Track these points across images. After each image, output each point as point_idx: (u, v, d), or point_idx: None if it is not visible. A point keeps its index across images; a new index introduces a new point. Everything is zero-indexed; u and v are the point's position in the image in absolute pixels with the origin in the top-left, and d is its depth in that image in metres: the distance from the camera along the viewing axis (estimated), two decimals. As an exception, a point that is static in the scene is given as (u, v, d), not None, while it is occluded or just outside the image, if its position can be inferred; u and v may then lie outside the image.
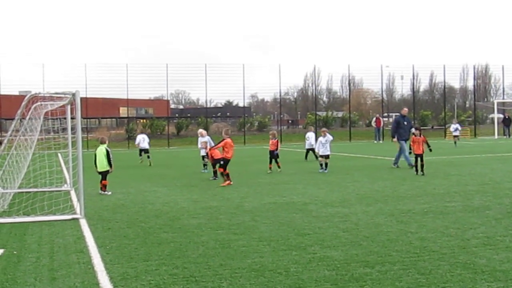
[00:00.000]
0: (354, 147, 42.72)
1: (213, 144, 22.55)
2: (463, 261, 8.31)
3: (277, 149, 23.77)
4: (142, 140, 30.46)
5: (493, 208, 13.11)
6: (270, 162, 23.76)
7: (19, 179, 17.58)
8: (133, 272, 8.09)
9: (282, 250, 9.31)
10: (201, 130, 25.63)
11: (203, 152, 23.71)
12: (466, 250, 9.02)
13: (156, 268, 8.29)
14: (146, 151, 29.81)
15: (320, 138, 23.37)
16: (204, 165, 23.95)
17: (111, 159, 17.41)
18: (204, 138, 24.25)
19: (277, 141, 24.28)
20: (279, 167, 23.59)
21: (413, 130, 22.17)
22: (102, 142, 17.87)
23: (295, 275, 7.76)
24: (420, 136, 21.35)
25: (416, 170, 20.93)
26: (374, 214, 12.55)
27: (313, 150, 28.65)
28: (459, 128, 44.92)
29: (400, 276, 7.56)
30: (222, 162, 19.10)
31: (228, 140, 19.11)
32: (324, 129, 24.91)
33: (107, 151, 17.40)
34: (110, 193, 17.06)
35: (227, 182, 18.61)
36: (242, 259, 8.71)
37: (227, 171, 18.87)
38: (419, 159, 20.89)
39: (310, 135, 30.43)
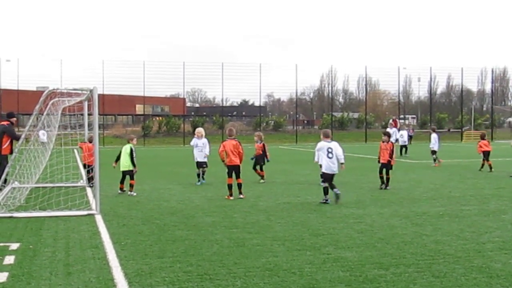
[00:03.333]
0: (370, 148, 42.54)
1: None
2: (478, 265, 8.27)
3: (265, 154, 20.20)
4: (42, 135, 33.38)
5: (509, 212, 13.03)
6: (261, 169, 20.16)
7: (37, 174, 17.70)
8: (147, 268, 8.13)
9: (297, 250, 9.31)
10: (199, 130, 20.49)
11: (199, 158, 19.43)
12: (481, 254, 8.97)
13: (170, 265, 8.33)
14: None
15: None
16: (198, 175, 19.35)
17: (134, 158, 16.64)
18: (200, 140, 19.70)
19: (263, 144, 20.39)
20: (262, 176, 20.03)
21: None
22: (130, 140, 17.23)
23: (309, 275, 7.76)
24: (388, 142, 17.92)
25: (382, 183, 17.62)
26: (389, 216, 12.51)
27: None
28: (404, 135, 34.93)
29: (414, 279, 7.54)
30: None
31: (226, 142, 15.95)
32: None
33: (131, 150, 16.63)
34: (135, 194, 16.36)
35: (228, 195, 15.60)
36: (256, 258, 8.72)
37: (228, 180, 15.72)
38: (384, 170, 17.65)
39: (404, 133, 34.70)
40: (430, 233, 10.60)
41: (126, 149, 16.70)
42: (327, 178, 14.61)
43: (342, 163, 14.81)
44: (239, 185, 15.74)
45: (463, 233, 10.62)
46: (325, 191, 14.51)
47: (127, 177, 16.66)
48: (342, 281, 7.48)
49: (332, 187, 14.56)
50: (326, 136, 15.02)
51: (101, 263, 8.51)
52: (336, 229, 11.05)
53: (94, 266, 8.33)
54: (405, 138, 33.95)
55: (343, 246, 9.54)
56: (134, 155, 16.66)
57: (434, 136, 26.97)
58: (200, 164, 19.38)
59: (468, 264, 8.32)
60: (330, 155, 14.59)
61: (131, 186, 16.54)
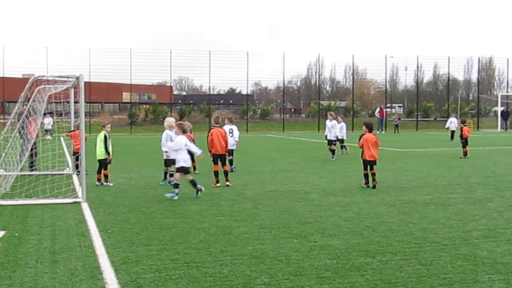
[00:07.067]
0: (357, 137, 42.65)
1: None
2: (464, 252, 8.32)
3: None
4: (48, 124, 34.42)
5: (495, 200, 13.11)
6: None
7: (21, 162, 17.59)
8: (134, 256, 8.11)
9: (283, 238, 9.32)
10: (170, 120, 16.55)
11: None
12: (467, 242, 9.03)
13: (157, 253, 8.31)
14: None
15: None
16: (166, 174, 16.20)
17: (108, 146, 15.85)
18: (171, 133, 15.63)
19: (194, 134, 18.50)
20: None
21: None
22: (103, 127, 16.33)
23: (296, 263, 7.77)
24: (370, 132, 15.93)
25: (367, 183, 15.35)
26: (375, 204, 12.55)
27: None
28: (454, 122, 39.12)
29: (401, 267, 7.57)
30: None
31: (214, 130, 15.81)
32: (229, 117, 18.92)
33: (105, 137, 15.90)
34: (111, 184, 15.82)
35: (215, 182, 15.52)
36: (243, 246, 8.72)
37: (215, 167, 15.69)
38: (369, 166, 15.38)
39: (454, 120, 39.05)
40: (417, 221, 10.64)
41: (100, 136, 16.01)
42: (228, 152, 17.49)
43: (236, 141, 19.30)
44: (226, 173, 15.75)
45: (449, 221, 10.68)
46: (230, 162, 18.40)
47: (101, 166, 16.02)
48: (329, 268, 7.49)
49: (231, 163, 18.54)
50: (230, 121, 19.67)
51: (87, 251, 8.48)
52: (323, 217, 11.07)
53: (80, 254, 8.29)
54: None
55: (330, 234, 9.57)
56: (108, 142, 15.91)
57: (342, 125, 25.78)
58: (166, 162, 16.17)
59: (454, 252, 8.37)
60: (230, 134, 18.51)
61: (106, 176, 15.94)
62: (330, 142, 24.29)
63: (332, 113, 26.01)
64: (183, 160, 13.59)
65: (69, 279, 7.06)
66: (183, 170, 13.54)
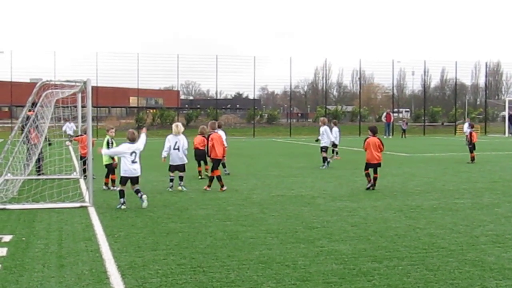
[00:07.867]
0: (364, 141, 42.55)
1: (186, 146, 16.18)
2: (472, 258, 8.28)
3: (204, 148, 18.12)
4: (69, 129, 34.19)
5: (502, 206, 13.06)
6: (199, 165, 18.61)
7: (29, 166, 17.64)
8: (140, 261, 8.11)
9: (290, 243, 9.30)
10: (177, 124, 16.76)
11: (183, 159, 16.14)
12: (475, 247, 8.99)
13: (164, 257, 8.31)
14: None
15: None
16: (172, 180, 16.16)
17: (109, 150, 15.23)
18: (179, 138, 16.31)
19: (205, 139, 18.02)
20: (206, 170, 18.29)
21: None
22: (107, 131, 16.40)
23: (302, 268, 7.75)
24: (374, 135, 16.35)
25: (370, 181, 15.80)
26: (382, 209, 12.52)
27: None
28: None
29: (408, 272, 7.54)
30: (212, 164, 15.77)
31: (213, 135, 15.95)
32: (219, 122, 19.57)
33: (107, 142, 15.83)
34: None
35: (221, 187, 15.53)
36: (250, 251, 8.71)
37: (216, 172, 15.59)
38: (372, 169, 15.87)
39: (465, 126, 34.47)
40: (424, 226, 10.61)
41: (104, 141, 16.04)
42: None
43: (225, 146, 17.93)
44: (211, 178, 15.68)
45: (457, 226, 10.64)
46: (223, 165, 18.38)
47: (109, 171, 16.04)
48: (336, 274, 7.48)
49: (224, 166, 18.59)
50: (219, 126, 18.41)
51: (94, 255, 8.49)
52: (330, 222, 11.05)
53: (87, 258, 8.30)
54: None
55: (336, 239, 9.55)
56: (111, 147, 15.68)
57: (335, 129, 25.34)
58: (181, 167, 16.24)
59: (461, 257, 8.34)
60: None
61: (113, 181, 15.99)
62: (322, 149, 22.70)
63: (323, 118, 24.32)
64: (124, 170, 13.07)
65: (76, 284, 7.07)
66: (123, 181, 13.08)
